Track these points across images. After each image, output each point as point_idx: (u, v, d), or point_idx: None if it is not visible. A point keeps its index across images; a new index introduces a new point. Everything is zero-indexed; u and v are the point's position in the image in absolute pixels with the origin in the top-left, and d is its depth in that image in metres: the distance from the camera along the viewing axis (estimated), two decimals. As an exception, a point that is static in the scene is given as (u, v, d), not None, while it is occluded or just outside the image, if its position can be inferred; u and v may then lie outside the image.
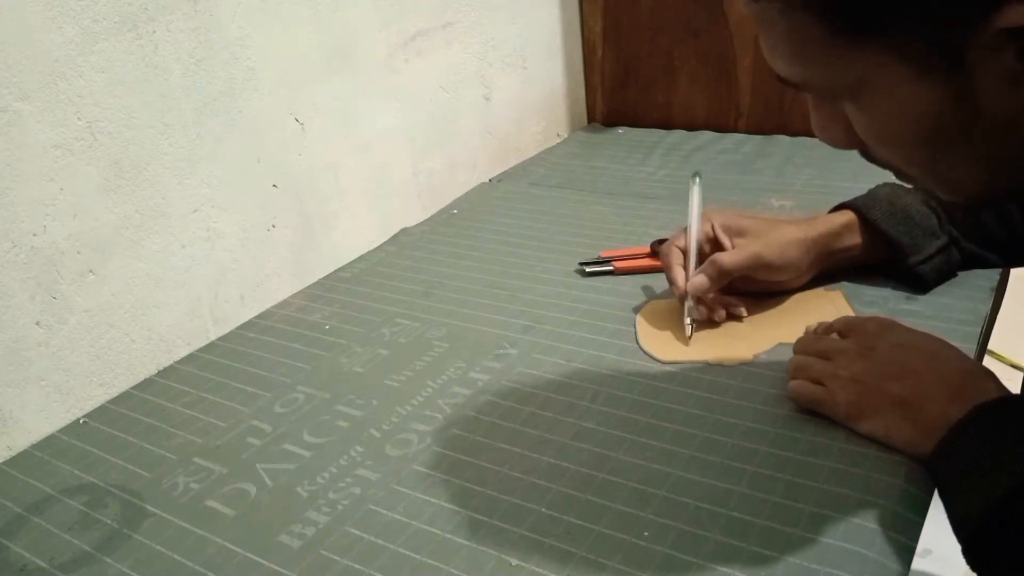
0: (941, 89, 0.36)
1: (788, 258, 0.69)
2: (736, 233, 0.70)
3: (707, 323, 0.70)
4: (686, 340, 0.68)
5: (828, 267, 0.72)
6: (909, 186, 0.72)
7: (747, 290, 0.72)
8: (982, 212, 0.70)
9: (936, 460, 0.50)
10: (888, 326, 0.59)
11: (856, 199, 0.72)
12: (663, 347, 0.68)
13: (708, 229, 0.71)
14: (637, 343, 0.69)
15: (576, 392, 0.63)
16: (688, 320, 0.68)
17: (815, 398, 0.57)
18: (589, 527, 0.50)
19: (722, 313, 0.70)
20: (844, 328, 0.61)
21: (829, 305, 0.70)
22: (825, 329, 0.62)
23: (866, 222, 0.70)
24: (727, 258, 0.68)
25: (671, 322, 0.71)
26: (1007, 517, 0.44)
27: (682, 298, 0.69)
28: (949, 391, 0.52)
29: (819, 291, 0.72)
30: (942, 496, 0.50)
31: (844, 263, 0.72)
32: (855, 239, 0.71)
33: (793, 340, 0.63)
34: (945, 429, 0.50)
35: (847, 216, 0.71)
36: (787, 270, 0.70)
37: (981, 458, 0.47)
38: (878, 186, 0.72)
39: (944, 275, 0.70)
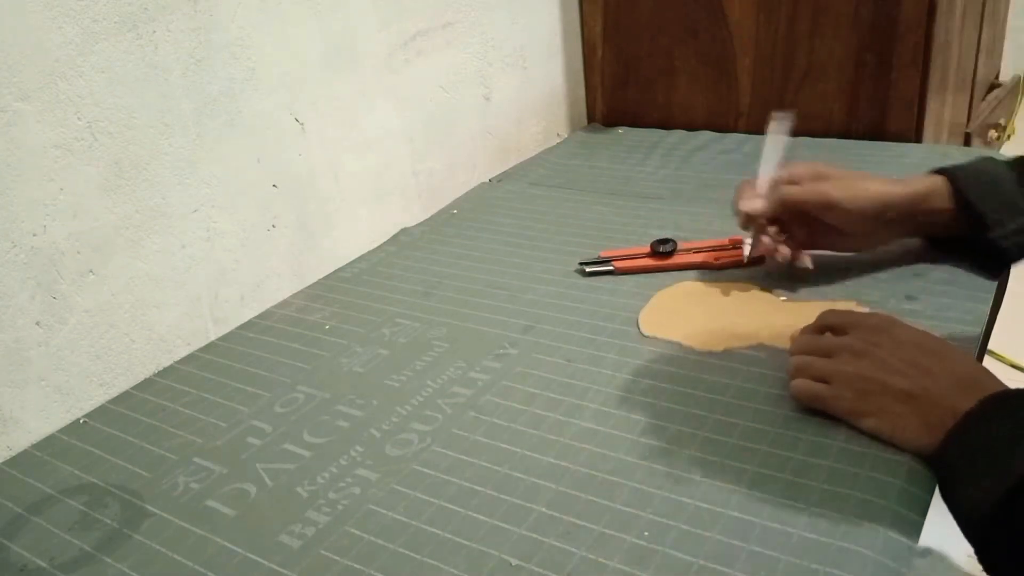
0: None
1: (859, 205, 0.69)
2: (816, 178, 0.70)
3: (762, 260, 0.74)
4: (743, 259, 0.73)
5: (912, 231, 0.73)
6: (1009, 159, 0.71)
7: (823, 248, 0.72)
8: None
9: (944, 450, 0.50)
10: (889, 322, 0.59)
11: (950, 166, 0.71)
12: (653, 323, 0.70)
13: (786, 175, 0.72)
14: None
15: (576, 392, 0.63)
16: (748, 242, 0.71)
17: (818, 395, 0.57)
18: (589, 527, 0.50)
19: (784, 251, 0.71)
20: (842, 324, 0.60)
21: None
22: (819, 327, 0.62)
23: (955, 190, 0.69)
24: (789, 187, 0.69)
25: (680, 304, 0.73)
26: (1018, 506, 0.44)
27: (743, 223, 0.72)
28: (955, 385, 0.52)
29: (830, 301, 0.72)
30: (948, 488, 0.49)
31: (928, 229, 0.72)
32: (943, 204, 0.70)
33: (776, 343, 0.63)
34: (952, 422, 0.49)
35: (936, 180, 0.70)
36: (856, 220, 0.69)
37: (991, 448, 0.47)
38: (977, 159, 0.72)
39: (1022, 253, 0.70)
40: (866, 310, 0.69)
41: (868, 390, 0.54)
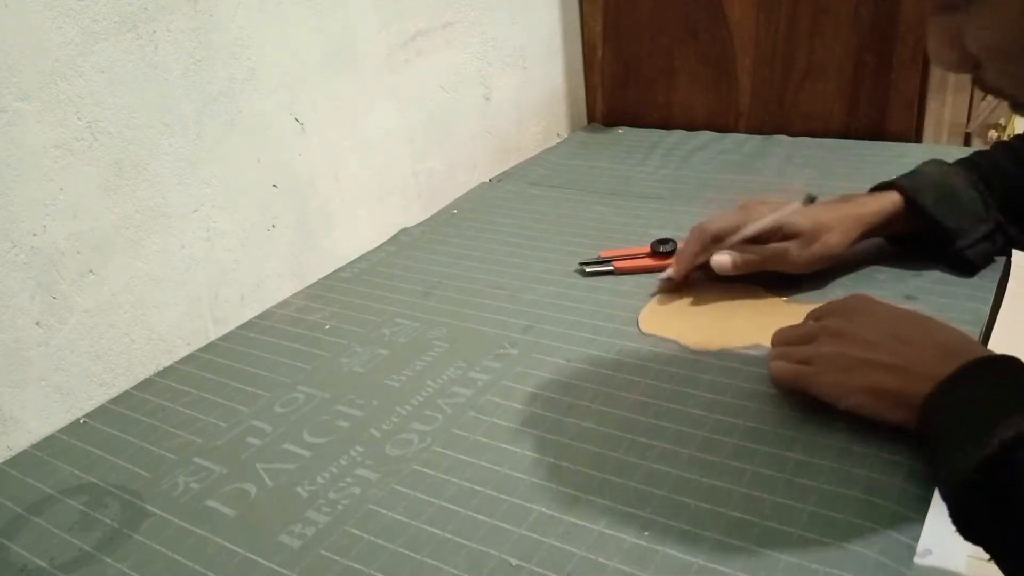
0: None
1: (813, 265, 0.71)
2: (790, 234, 0.71)
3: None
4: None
5: (866, 243, 0.74)
6: (950, 162, 0.73)
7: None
8: None
9: (926, 415, 0.50)
10: (866, 301, 0.60)
11: (904, 179, 0.72)
12: (653, 321, 0.71)
13: (766, 216, 0.71)
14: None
15: (576, 392, 0.63)
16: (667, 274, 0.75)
17: (799, 374, 0.57)
18: (589, 527, 0.50)
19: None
20: (820, 312, 0.61)
21: None
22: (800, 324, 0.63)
23: (914, 205, 0.71)
24: (751, 257, 0.71)
25: (681, 304, 0.74)
26: (997, 471, 0.44)
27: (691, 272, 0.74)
28: (937, 354, 0.52)
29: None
30: (931, 453, 0.50)
31: (885, 242, 0.75)
32: (901, 225, 0.72)
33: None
34: (935, 385, 0.50)
35: (895, 204, 0.71)
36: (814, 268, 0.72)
37: (972, 412, 0.47)
38: (924, 163, 0.73)
39: (988, 259, 0.72)
40: None
41: (849, 367, 0.54)
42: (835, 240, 0.71)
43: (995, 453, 0.43)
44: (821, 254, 0.71)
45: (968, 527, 0.45)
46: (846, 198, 0.74)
